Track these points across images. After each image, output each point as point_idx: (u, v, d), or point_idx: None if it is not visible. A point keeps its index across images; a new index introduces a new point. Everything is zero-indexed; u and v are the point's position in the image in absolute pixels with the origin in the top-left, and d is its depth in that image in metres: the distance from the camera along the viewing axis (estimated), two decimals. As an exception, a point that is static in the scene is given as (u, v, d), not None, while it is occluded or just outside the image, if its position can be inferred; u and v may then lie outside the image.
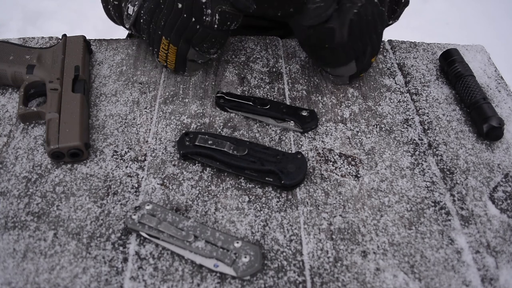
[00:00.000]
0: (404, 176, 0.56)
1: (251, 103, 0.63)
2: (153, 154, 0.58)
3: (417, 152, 0.60)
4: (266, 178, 0.54)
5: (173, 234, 0.47)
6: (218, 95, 0.64)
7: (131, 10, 0.67)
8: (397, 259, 0.48)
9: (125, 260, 0.47)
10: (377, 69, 0.72)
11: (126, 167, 0.56)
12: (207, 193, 0.54)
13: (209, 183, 0.55)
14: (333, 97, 0.67)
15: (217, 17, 0.58)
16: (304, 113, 0.62)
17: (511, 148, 0.61)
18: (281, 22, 0.87)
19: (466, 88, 0.65)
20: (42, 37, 0.74)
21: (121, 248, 0.48)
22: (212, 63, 0.71)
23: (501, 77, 0.72)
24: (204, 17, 0.58)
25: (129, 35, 0.97)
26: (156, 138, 0.60)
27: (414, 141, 0.61)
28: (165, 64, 0.65)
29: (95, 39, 0.74)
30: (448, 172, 0.57)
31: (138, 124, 0.62)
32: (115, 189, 0.54)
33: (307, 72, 0.71)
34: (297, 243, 0.49)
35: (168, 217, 0.49)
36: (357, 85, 0.69)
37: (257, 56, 0.73)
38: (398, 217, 0.52)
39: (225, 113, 0.64)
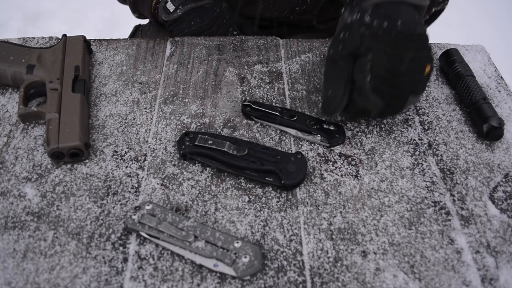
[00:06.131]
0: (404, 176, 0.56)
1: (278, 113, 0.61)
2: (153, 154, 0.58)
3: (417, 152, 0.60)
4: (266, 178, 0.54)
5: (173, 234, 0.47)
6: (244, 103, 0.63)
7: (171, 7, 0.76)
8: (397, 259, 0.48)
9: (125, 260, 0.47)
10: (377, 69, 0.72)
11: (126, 167, 0.56)
12: (207, 193, 0.54)
13: (209, 183, 0.55)
14: (333, 97, 0.67)
15: None
16: (332, 128, 0.60)
17: (511, 148, 0.61)
18: (280, 22, 0.88)
19: (466, 88, 0.65)
20: (42, 37, 0.74)
21: (121, 248, 0.48)
22: (212, 63, 0.71)
23: (501, 77, 0.72)
24: None
25: (131, 35, 0.98)
26: (156, 138, 0.60)
27: (414, 141, 0.61)
28: None
29: (95, 39, 0.74)
30: (448, 172, 0.57)
31: (138, 124, 0.62)
32: (115, 189, 0.54)
33: (307, 72, 0.71)
34: (297, 243, 0.49)
35: (168, 217, 0.49)
36: (357, 85, 0.69)
37: (257, 56, 0.73)
38: (398, 217, 0.52)
39: (225, 113, 0.64)
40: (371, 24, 0.52)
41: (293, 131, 0.61)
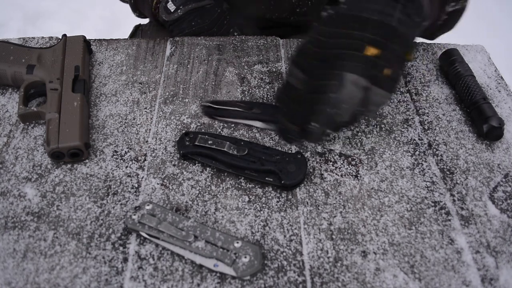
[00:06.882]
0: (404, 176, 0.56)
1: (239, 108, 0.61)
2: (153, 154, 0.58)
3: (417, 152, 0.60)
4: (266, 178, 0.54)
5: (173, 234, 0.47)
6: (204, 104, 0.62)
7: (171, 7, 0.75)
8: (397, 259, 0.48)
9: (125, 260, 0.47)
10: (377, 69, 0.72)
11: (126, 167, 0.56)
12: (207, 193, 0.54)
13: (209, 183, 0.55)
14: (333, 97, 0.67)
15: None
16: None
17: (511, 148, 0.61)
18: (280, 22, 0.88)
19: (466, 88, 0.65)
20: (42, 37, 0.74)
21: (121, 248, 0.48)
22: (212, 63, 0.71)
23: (501, 77, 0.72)
24: None
25: (131, 35, 0.98)
26: (156, 138, 0.60)
27: (414, 141, 0.61)
28: None
29: (95, 39, 0.74)
30: (448, 172, 0.57)
31: (138, 124, 0.62)
32: (115, 189, 0.54)
33: (307, 72, 0.71)
34: (297, 243, 0.49)
35: (168, 217, 0.49)
36: (357, 85, 0.69)
37: (257, 56, 0.73)
38: (398, 217, 0.52)
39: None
40: (323, 16, 0.47)
41: (258, 124, 0.60)
